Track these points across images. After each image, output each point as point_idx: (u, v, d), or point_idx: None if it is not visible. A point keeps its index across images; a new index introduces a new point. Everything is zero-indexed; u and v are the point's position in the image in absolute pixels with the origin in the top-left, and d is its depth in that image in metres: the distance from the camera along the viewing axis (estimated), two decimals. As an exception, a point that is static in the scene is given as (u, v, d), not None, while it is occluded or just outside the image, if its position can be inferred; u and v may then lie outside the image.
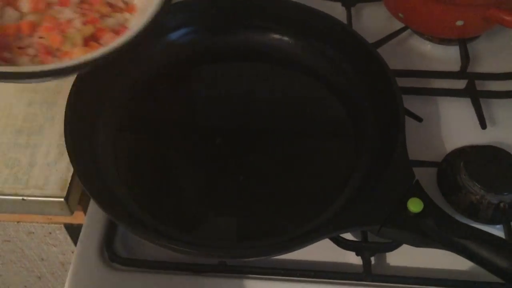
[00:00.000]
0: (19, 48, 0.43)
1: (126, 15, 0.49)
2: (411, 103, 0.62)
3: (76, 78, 0.54)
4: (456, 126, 0.63)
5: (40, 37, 0.44)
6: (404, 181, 0.48)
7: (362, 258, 0.51)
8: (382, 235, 0.47)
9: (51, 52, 0.44)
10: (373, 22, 0.74)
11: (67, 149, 0.50)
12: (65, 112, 0.53)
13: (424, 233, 0.45)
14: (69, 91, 0.54)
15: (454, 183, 0.55)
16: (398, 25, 0.71)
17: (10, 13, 0.43)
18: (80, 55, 0.44)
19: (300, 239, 0.48)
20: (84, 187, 0.49)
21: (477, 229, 0.45)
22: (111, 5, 0.48)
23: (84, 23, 0.46)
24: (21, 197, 0.57)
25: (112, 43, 0.44)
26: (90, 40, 0.46)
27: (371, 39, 0.66)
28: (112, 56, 0.44)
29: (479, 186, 0.53)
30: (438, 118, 0.63)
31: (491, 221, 0.54)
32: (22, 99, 0.65)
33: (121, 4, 0.49)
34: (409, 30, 0.72)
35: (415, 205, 0.45)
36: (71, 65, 0.42)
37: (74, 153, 0.50)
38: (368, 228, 0.49)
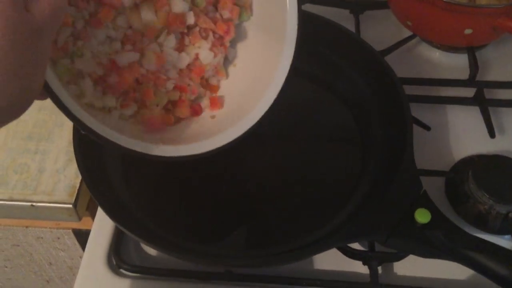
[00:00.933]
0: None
1: (207, 92, 0.49)
2: (419, 111, 0.62)
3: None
4: (464, 134, 0.62)
5: (137, 80, 0.45)
6: (412, 191, 0.48)
7: (369, 268, 0.51)
8: (389, 245, 0.47)
9: (135, 100, 0.45)
10: (381, 29, 0.74)
11: (75, 157, 0.50)
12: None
13: (431, 244, 0.45)
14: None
15: (462, 192, 0.54)
16: (407, 33, 0.71)
17: (129, 55, 0.43)
18: (157, 118, 0.45)
19: (307, 250, 0.48)
20: (92, 195, 0.49)
21: (485, 240, 0.45)
22: (202, 77, 0.48)
23: (175, 87, 0.46)
24: (30, 203, 0.58)
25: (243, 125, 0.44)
26: (168, 105, 0.47)
27: (379, 46, 0.66)
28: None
29: (487, 196, 0.52)
30: (447, 126, 0.63)
31: (500, 232, 0.54)
32: (32, 104, 0.65)
33: (213, 82, 0.49)
34: (417, 38, 0.71)
35: (422, 216, 0.45)
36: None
37: (82, 161, 0.50)
38: (375, 238, 0.49)
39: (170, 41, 0.45)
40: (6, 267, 0.77)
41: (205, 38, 0.46)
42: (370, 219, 0.47)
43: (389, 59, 0.63)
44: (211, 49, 0.46)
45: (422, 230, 0.45)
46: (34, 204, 0.58)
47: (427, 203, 0.47)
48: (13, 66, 0.29)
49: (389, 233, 0.46)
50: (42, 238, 0.68)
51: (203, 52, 0.46)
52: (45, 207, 0.58)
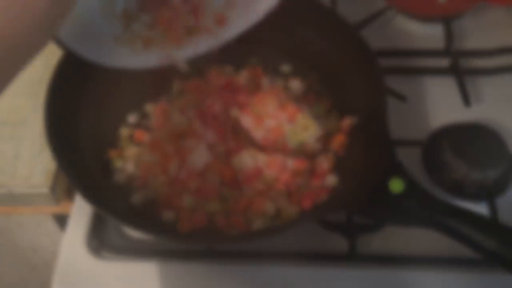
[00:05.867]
0: None
1: None
2: (395, 82, 0.62)
3: (56, 68, 0.54)
4: (440, 104, 0.62)
5: None
6: (386, 161, 0.48)
7: (348, 239, 0.51)
8: (365, 216, 0.47)
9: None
10: (357, 1, 0.73)
11: (47, 142, 0.50)
12: (45, 103, 0.52)
13: (406, 213, 0.45)
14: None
15: (439, 161, 0.55)
16: (383, 4, 0.70)
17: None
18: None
19: (285, 224, 0.48)
20: (68, 179, 0.49)
21: (459, 207, 0.45)
22: None
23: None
24: (7, 189, 0.57)
25: None
26: None
27: (355, 18, 0.65)
28: None
29: (463, 163, 0.53)
30: (423, 97, 0.63)
31: (475, 198, 0.54)
32: (7, 90, 0.64)
33: None
34: (393, 9, 0.71)
35: (396, 185, 0.46)
36: None
37: (55, 146, 0.49)
38: (351, 210, 0.49)
39: None
40: (-10, 256, 0.77)
41: None
42: (345, 190, 0.48)
43: (365, 31, 0.63)
44: None
45: (397, 199, 0.46)
46: (11, 190, 0.57)
47: (402, 172, 0.47)
48: None
49: (364, 204, 0.46)
50: (23, 224, 0.68)
51: None
52: (23, 193, 0.57)
